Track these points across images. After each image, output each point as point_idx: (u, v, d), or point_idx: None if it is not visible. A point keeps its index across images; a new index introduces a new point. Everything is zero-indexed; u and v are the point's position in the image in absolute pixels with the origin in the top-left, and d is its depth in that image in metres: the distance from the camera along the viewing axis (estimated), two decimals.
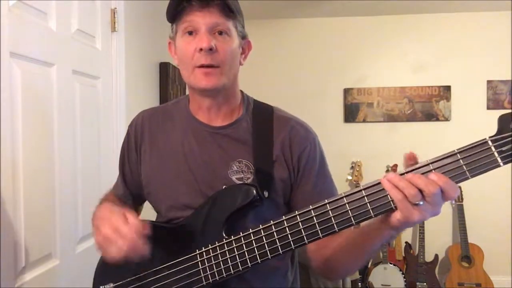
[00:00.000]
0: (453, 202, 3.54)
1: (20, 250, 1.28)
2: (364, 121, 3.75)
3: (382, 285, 3.32)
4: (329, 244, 0.91)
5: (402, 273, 3.32)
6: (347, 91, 3.76)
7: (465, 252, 3.35)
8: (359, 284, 3.26)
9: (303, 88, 3.79)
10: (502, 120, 0.69)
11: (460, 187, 3.50)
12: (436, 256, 3.44)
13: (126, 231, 0.81)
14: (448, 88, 3.66)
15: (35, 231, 1.35)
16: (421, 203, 0.69)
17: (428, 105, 3.68)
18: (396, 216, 0.72)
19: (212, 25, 0.92)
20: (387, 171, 3.54)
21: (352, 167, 3.54)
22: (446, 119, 3.65)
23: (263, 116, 1.01)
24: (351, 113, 3.76)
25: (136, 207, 1.17)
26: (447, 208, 3.62)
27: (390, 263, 3.32)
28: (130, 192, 1.14)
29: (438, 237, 3.57)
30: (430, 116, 3.68)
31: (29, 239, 1.32)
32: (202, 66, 0.92)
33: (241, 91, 1.06)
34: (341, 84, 3.77)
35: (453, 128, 3.57)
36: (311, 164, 0.98)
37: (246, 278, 0.94)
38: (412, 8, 3.53)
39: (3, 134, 1.20)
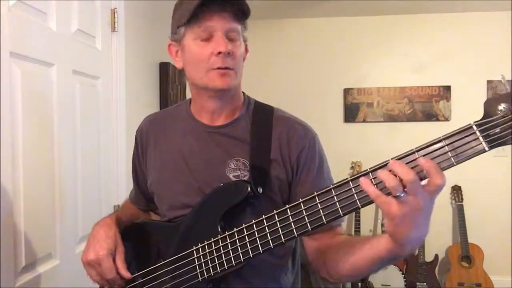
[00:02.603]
0: (453, 202, 3.54)
1: (20, 250, 1.28)
2: (364, 121, 3.75)
3: (382, 285, 3.32)
4: (330, 248, 0.92)
5: (402, 273, 3.32)
6: (347, 91, 3.76)
7: (465, 252, 3.35)
8: (359, 284, 3.27)
9: (303, 88, 3.79)
10: (488, 104, 0.68)
11: (460, 187, 3.51)
12: (436, 256, 3.44)
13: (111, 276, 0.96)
14: (448, 88, 3.66)
15: (35, 231, 1.35)
16: (402, 195, 0.67)
17: (428, 105, 3.68)
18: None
19: (228, 30, 0.94)
20: (352, 167, 3.53)
21: (352, 167, 3.54)
22: (446, 119, 3.65)
23: (262, 116, 1.02)
24: (351, 113, 3.76)
25: (151, 209, 1.22)
26: (447, 208, 3.62)
27: None
28: (143, 195, 1.19)
29: (438, 237, 3.57)
30: (430, 116, 3.68)
31: (29, 239, 1.32)
32: (218, 69, 0.93)
33: (242, 92, 1.07)
34: (341, 84, 3.77)
35: (453, 128, 3.54)
36: (310, 163, 0.98)
37: (245, 277, 0.95)
38: (412, 8, 3.53)
39: (3, 134, 1.20)
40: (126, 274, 0.96)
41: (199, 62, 0.95)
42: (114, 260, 0.96)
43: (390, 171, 0.68)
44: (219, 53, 0.92)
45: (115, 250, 0.97)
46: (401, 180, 0.67)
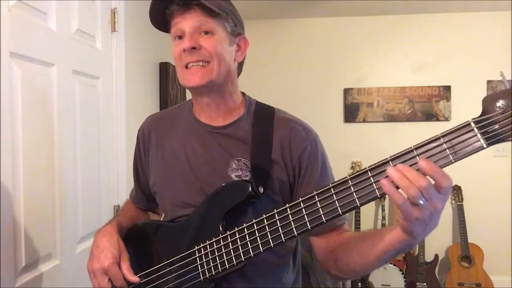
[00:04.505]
0: (453, 202, 3.54)
1: (20, 250, 1.29)
2: (364, 121, 3.75)
3: (382, 285, 3.32)
4: (339, 245, 0.92)
5: (402, 273, 3.32)
6: (347, 91, 3.76)
7: (465, 252, 3.35)
8: (359, 284, 3.27)
9: (303, 88, 3.78)
10: (486, 101, 0.68)
11: (460, 187, 3.50)
12: (436, 256, 3.44)
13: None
14: (448, 88, 3.66)
15: (35, 231, 1.35)
16: (422, 202, 0.68)
17: (428, 105, 3.68)
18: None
19: (194, 26, 0.95)
20: (352, 167, 3.54)
21: (352, 167, 3.54)
22: (446, 119, 3.65)
23: (263, 117, 1.03)
24: (351, 113, 3.76)
25: (151, 208, 1.22)
26: (447, 208, 3.60)
27: (390, 263, 3.31)
28: (143, 194, 1.19)
29: (438, 237, 3.57)
30: (430, 116, 3.68)
31: (29, 239, 1.32)
32: (187, 66, 0.95)
33: (243, 93, 1.08)
34: (341, 84, 3.77)
35: None
36: (313, 165, 0.99)
37: (247, 276, 0.96)
38: (412, 8, 3.53)
39: (3, 134, 1.20)
40: (134, 279, 0.96)
41: (176, 61, 0.99)
42: (119, 266, 0.96)
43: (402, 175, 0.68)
44: (184, 50, 0.94)
45: (119, 257, 0.97)
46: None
